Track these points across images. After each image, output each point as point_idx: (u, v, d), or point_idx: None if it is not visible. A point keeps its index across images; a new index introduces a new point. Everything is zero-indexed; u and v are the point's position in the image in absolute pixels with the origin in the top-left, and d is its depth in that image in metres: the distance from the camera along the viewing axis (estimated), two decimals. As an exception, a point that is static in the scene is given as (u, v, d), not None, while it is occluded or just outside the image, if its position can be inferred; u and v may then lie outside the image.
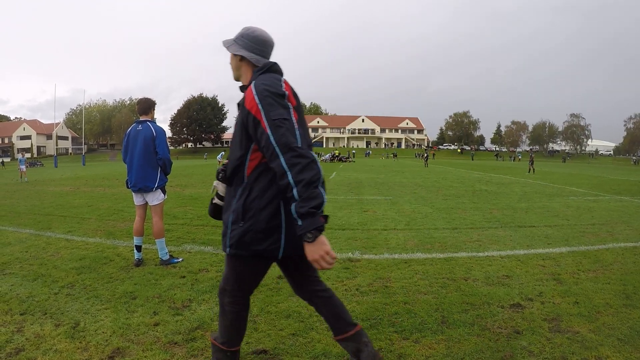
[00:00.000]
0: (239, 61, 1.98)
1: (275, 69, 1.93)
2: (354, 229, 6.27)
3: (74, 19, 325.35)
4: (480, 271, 4.12)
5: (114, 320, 2.94)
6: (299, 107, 1.84)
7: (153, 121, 4.52)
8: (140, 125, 4.42)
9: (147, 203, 4.50)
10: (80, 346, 2.57)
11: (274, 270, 4.07)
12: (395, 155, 66.81)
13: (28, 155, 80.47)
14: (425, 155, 35.26)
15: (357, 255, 4.69)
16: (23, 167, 20.49)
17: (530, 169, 25.28)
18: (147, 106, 4.55)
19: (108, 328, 2.82)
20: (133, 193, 4.49)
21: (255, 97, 1.74)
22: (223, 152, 33.47)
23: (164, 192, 4.51)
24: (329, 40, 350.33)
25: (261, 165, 1.82)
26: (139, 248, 4.41)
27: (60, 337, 2.70)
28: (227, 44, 2.00)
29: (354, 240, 5.49)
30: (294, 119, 1.73)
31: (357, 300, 3.32)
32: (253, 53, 1.95)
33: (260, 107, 1.72)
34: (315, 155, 1.69)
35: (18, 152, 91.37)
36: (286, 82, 1.86)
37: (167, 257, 4.44)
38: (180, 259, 4.51)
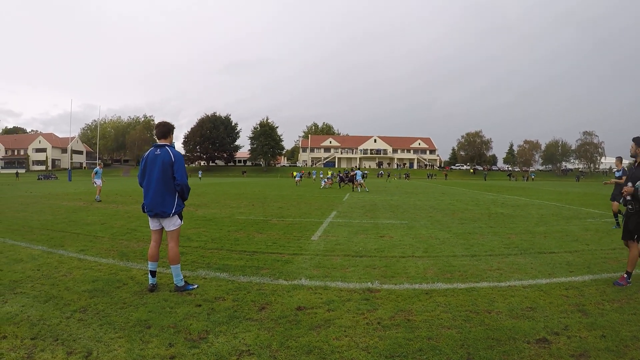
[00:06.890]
0: None
1: None
2: (371, 256, 6.11)
3: (83, 35, 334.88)
4: (504, 303, 4.00)
5: (128, 350, 2.87)
6: None
7: (172, 146, 4.44)
8: (158, 150, 4.33)
9: (163, 228, 4.42)
10: (94, 378, 2.49)
11: (292, 300, 4.03)
12: (407, 176, 66.87)
13: (41, 167, 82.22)
14: (406, 174, 36.57)
15: (377, 285, 4.56)
16: (99, 181, 15.98)
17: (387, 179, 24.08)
18: (166, 130, 4.47)
19: (122, 359, 2.74)
20: (149, 218, 4.41)
21: None
22: (302, 172, 34.51)
23: (180, 217, 4.43)
24: (333, 54, 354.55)
25: None
26: (153, 273, 4.34)
27: (72, 366, 2.62)
28: None
29: (372, 268, 5.35)
30: None
31: (379, 335, 3.22)
32: None
33: None
34: None
35: (33, 164, 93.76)
36: None
37: (183, 283, 4.35)
38: (196, 286, 4.41)
